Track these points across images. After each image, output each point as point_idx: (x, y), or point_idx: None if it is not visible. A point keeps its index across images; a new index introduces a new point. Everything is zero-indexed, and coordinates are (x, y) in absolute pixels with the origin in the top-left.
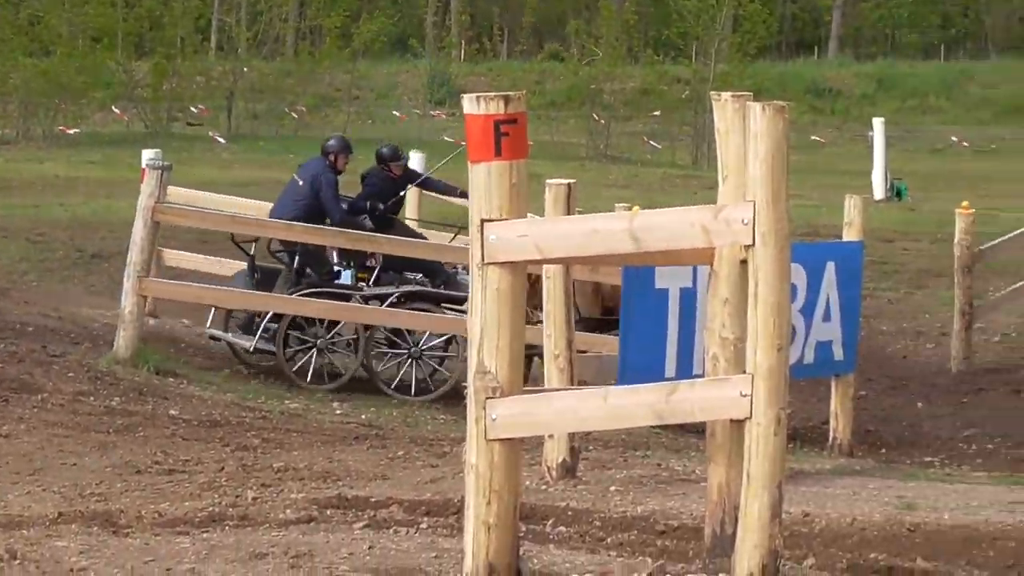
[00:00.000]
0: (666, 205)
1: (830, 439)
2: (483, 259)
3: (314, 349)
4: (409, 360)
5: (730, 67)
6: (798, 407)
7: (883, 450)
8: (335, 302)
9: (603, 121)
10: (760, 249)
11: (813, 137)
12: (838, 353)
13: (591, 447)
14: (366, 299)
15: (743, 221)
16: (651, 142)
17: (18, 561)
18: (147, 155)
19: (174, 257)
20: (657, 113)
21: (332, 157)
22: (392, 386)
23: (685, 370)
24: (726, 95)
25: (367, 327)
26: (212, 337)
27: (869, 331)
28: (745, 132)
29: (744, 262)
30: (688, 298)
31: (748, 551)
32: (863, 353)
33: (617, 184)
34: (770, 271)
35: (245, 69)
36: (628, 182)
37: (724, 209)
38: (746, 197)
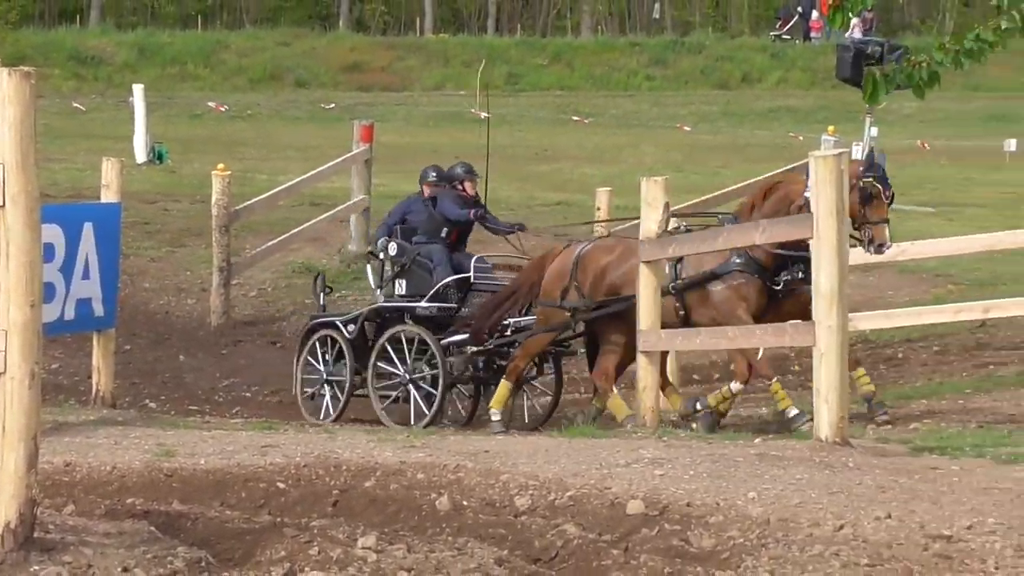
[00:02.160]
0: None
1: (93, 392)
2: None
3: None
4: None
5: None
6: (66, 362)
7: (148, 401)
8: None
9: None
10: (11, 210)
11: (75, 104)
12: (98, 310)
13: None
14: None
15: None
16: None
17: None
18: None
19: None
20: None
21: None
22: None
23: None
24: None
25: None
26: None
27: (132, 289)
28: None
29: None
30: None
31: (5, 502)
32: (127, 310)
33: None
34: (21, 231)
35: None
36: None
37: None
38: None
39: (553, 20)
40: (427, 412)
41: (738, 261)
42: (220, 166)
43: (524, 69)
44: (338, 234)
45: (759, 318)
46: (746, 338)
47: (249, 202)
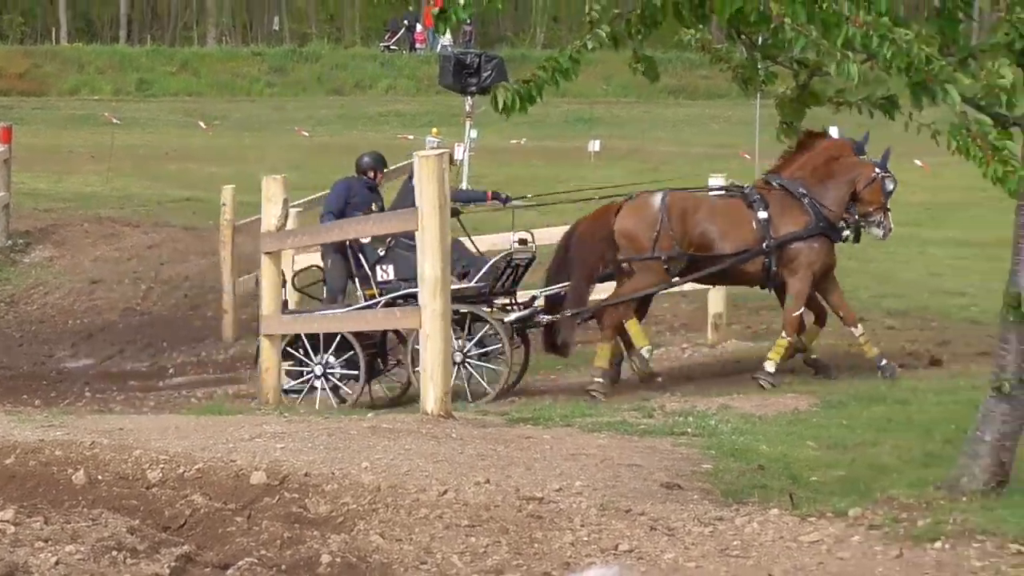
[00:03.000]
0: None
1: None
2: None
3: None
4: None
5: None
6: None
7: None
8: None
9: None
10: None
11: None
12: None
13: None
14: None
15: None
16: None
17: None
18: None
19: None
20: None
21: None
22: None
23: None
24: None
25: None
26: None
27: None
28: None
29: None
30: None
31: None
32: None
33: None
34: None
35: None
36: None
37: None
38: None
39: (181, 31)
40: (491, 390)
41: (821, 225)
42: None
43: (154, 76)
44: None
45: (829, 270)
46: (356, 322)
47: None
